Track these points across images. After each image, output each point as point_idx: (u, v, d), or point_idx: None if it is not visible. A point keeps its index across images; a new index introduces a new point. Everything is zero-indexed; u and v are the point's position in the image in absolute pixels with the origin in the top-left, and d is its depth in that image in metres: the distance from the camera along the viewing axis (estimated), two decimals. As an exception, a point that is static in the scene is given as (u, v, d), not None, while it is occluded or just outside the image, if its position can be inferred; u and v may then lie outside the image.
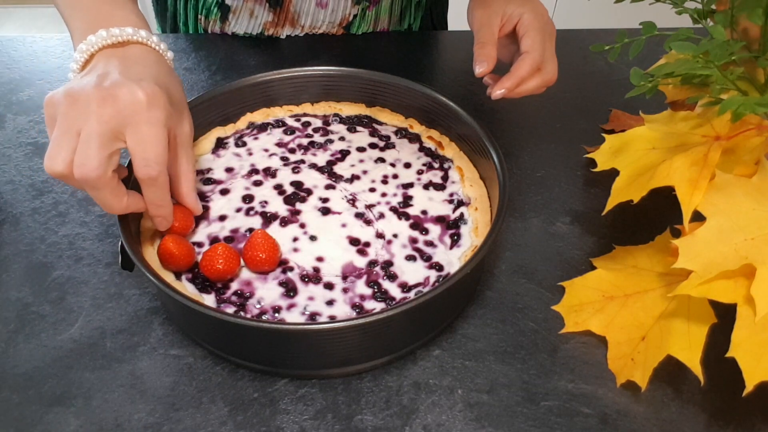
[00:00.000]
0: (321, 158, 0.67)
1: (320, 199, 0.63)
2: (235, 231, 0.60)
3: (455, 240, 0.59)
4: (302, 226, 0.60)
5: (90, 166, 0.47)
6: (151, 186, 0.51)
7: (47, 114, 0.49)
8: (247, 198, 0.63)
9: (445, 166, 0.66)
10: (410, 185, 0.65)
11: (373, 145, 0.69)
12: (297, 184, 0.64)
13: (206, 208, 0.61)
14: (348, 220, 0.61)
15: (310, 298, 0.54)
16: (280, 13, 0.87)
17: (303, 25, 0.89)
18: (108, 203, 0.50)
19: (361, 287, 0.55)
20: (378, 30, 0.92)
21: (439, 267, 0.57)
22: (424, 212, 0.62)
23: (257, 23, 0.88)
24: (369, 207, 0.62)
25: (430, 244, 0.59)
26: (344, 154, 0.68)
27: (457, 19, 0.89)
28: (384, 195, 0.63)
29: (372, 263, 0.57)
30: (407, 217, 0.61)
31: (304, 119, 0.72)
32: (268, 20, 0.88)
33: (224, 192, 0.63)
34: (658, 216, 0.60)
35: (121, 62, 0.51)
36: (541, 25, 0.65)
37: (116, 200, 0.50)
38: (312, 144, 0.69)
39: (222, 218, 0.61)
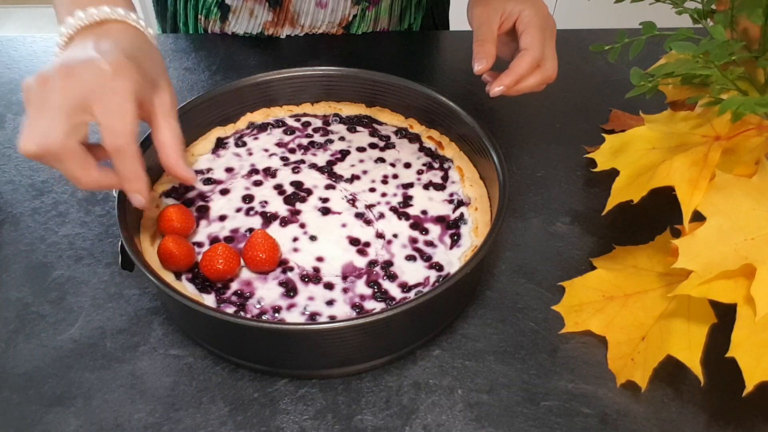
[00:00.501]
0: (321, 158, 0.67)
1: (320, 199, 0.63)
2: (235, 231, 0.60)
3: (455, 240, 0.59)
4: (302, 226, 0.60)
5: (52, 137, 0.46)
6: (119, 158, 0.49)
7: (24, 99, 0.49)
8: (247, 198, 0.63)
9: (445, 166, 0.66)
10: (410, 185, 0.65)
11: (373, 145, 0.69)
12: (297, 184, 0.64)
13: (206, 208, 0.61)
14: (348, 220, 0.61)
15: (310, 298, 0.54)
16: (280, 13, 0.87)
17: (303, 24, 0.89)
18: (76, 176, 0.49)
19: (361, 287, 0.55)
20: (378, 30, 0.92)
21: (439, 267, 0.57)
22: (424, 212, 0.62)
23: (257, 23, 0.89)
24: (369, 207, 0.62)
25: (430, 244, 0.59)
26: (344, 154, 0.68)
27: (458, 18, 0.89)
28: (384, 195, 0.63)
29: (372, 263, 0.57)
30: (407, 217, 0.61)
31: (304, 119, 0.72)
32: (267, 20, 0.88)
33: (224, 192, 0.63)
34: (658, 216, 0.60)
35: (95, 39, 0.50)
36: (541, 22, 0.64)
37: (84, 173, 0.49)
38: (312, 144, 0.69)
39: (222, 218, 0.61)
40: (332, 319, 0.52)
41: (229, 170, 0.65)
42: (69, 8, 0.53)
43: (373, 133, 0.70)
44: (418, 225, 0.60)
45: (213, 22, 0.90)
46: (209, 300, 0.54)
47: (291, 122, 0.71)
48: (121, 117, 0.48)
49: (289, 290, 0.55)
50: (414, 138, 0.70)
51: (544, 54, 0.64)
